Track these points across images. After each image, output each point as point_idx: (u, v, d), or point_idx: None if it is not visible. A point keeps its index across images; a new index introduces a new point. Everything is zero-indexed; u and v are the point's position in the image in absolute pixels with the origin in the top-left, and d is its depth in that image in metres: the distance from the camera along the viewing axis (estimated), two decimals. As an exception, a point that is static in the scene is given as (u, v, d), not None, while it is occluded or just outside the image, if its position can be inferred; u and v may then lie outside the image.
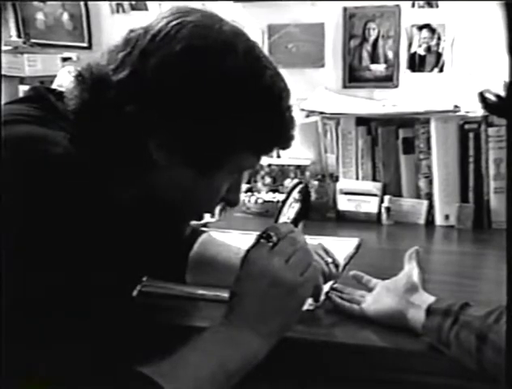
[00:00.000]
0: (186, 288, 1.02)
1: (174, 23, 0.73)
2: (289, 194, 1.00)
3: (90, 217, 0.69)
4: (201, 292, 1.00)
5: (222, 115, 0.74)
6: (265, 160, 1.58)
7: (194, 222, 1.04)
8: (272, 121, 0.77)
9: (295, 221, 0.96)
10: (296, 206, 0.97)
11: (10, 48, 1.80)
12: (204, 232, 1.08)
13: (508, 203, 0.69)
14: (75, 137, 0.73)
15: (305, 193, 0.99)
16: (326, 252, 1.01)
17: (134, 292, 0.96)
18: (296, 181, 0.90)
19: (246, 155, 0.78)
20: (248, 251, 0.78)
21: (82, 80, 0.75)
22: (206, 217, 1.42)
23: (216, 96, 0.73)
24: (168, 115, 0.73)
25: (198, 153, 0.75)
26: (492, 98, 1.37)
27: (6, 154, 0.66)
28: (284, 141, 0.82)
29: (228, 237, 1.18)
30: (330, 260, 1.00)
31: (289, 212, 0.98)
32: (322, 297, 0.97)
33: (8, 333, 0.65)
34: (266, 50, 1.72)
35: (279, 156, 1.61)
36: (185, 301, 1.00)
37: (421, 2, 1.62)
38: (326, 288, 0.98)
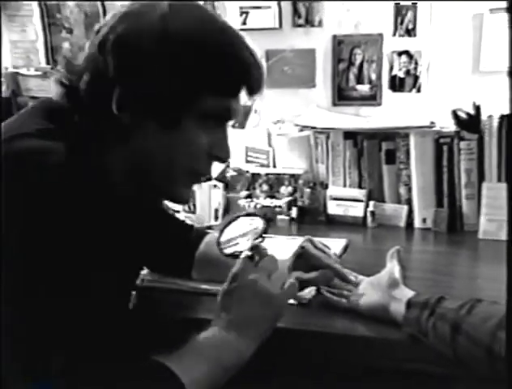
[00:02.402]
0: (191, 284, 1.02)
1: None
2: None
3: (87, 215, 0.68)
4: (204, 287, 0.99)
5: (171, 63, 0.70)
6: (262, 170, 1.58)
7: (198, 225, 1.01)
8: (225, 60, 0.73)
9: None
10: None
11: (40, 73, 1.82)
12: (209, 233, 1.08)
13: (509, 208, 0.69)
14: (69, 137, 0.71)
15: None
16: (326, 246, 1.00)
17: (138, 281, 0.93)
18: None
19: (207, 98, 0.73)
20: (235, 268, 0.79)
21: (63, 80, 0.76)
22: (210, 220, 1.43)
23: (163, 49, 0.70)
24: (123, 74, 0.71)
25: (155, 103, 0.71)
26: (464, 116, 1.38)
27: (7, 166, 0.64)
28: (247, 80, 0.75)
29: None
30: (332, 252, 1.00)
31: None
32: (314, 293, 0.97)
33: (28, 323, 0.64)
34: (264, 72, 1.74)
35: (274, 166, 1.62)
36: (191, 295, 0.99)
37: (401, 32, 1.62)
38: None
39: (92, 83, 0.73)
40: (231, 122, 0.79)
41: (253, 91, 0.78)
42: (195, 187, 1.37)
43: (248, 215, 0.90)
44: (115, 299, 0.80)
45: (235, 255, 0.83)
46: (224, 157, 0.79)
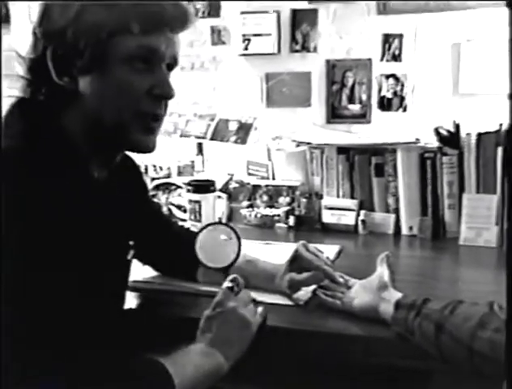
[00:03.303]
0: (196, 286, 1.01)
1: None
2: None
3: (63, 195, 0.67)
4: (208, 289, 0.97)
5: (78, 18, 0.70)
6: (262, 182, 1.58)
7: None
8: (128, 1, 0.71)
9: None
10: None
11: None
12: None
13: (509, 214, 0.69)
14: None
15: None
16: (319, 251, 1.01)
17: (129, 256, 0.88)
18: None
19: (124, 37, 0.71)
20: (218, 297, 0.82)
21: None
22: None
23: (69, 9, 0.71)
24: (48, 42, 0.72)
25: (79, 57, 0.71)
26: (445, 133, 1.39)
27: None
28: (145, 15, 0.72)
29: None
30: (325, 256, 1.00)
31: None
32: (310, 295, 0.97)
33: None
34: (264, 94, 1.76)
35: (274, 179, 1.61)
36: (194, 296, 0.99)
37: (388, 57, 1.64)
38: (313, 286, 0.98)
39: (35, 62, 0.74)
40: (164, 64, 0.75)
41: (177, 27, 0.75)
42: (201, 198, 1.39)
43: (217, 223, 0.91)
44: (107, 298, 0.79)
45: (217, 269, 0.87)
46: (164, 94, 0.76)
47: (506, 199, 1.28)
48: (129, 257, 0.88)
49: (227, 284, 0.83)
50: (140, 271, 1.04)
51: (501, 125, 1.31)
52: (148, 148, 0.79)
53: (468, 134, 1.33)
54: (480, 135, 1.32)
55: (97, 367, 0.67)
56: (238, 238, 0.88)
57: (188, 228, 1.18)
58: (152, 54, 0.74)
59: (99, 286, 0.72)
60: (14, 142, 0.69)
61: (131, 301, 0.98)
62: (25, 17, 1.75)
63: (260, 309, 0.86)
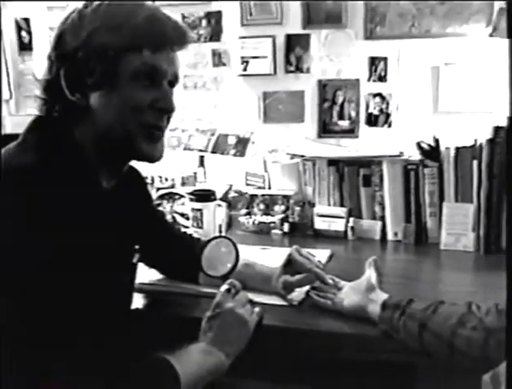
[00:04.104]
0: (198, 288, 1.01)
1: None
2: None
3: (73, 202, 0.68)
4: (209, 290, 0.97)
5: (89, 40, 0.71)
6: (259, 192, 1.57)
7: (204, 239, 1.00)
8: (134, 23, 0.72)
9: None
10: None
11: None
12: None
13: (508, 219, 0.69)
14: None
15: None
16: (311, 255, 1.01)
17: (134, 260, 0.88)
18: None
19: (130, 56, 0.72)
20: (217, 299, 0.83)
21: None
22: (215, 234, 1.42)
23: (79, 33, 0.72)
24: (61, 62, 0.73)
25: (89, 75, 0.72)
26: (426, 147, 1.39)
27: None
28: (150, 35, 0.73)
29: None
30: (316, 259, 1.01)
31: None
32: (303, 296, 0.98)
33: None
34: (261, 111, 1.76)
35: (270, 188, 1.61)
36: (197, 297, 0.99)
37: (375, 78, 1.65)
38: (307, 287, 0.98)
39: (50, 83, 0.75)
40: (166, 80, 0.76)
41: (178, 44, 0.76)
42: (202, 206, 1.38)
43: (218, 237, 0.93)
44: (115, 298, 0.78)
45: (217, 277, 0.88)
46: (166, 107, 0.77)
47: (483, 207, 1.29)
48: (134, 260, 0.88)
49: (225, 287, 0.84)
50: (146, 274, 1.04)
51: (476, 140, 1.32)
52: (154, 157, 0.79)
53: (447, 149, 1.34)
54: (457, 149, 1.32)
55: (107, 365, 0.66)
56: (236, 251, 0.91)
57: (190, 235, 1.17)
58: (155, 72, 0.75)
59: (107, 287, 0.72)
60: (30, 156, 0.69)
61: (138, 301, 0.98)
62: (47, 45, 1.80)
63: (257, 309, 0.86)
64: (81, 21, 0.73)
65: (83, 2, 0.75)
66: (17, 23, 1.86)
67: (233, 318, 0.81)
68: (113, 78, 0.72)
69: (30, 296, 0.62)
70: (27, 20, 1.85)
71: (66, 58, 0.73)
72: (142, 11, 0.74)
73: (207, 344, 0.78)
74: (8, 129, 1.77)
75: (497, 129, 1.28)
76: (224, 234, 1.44)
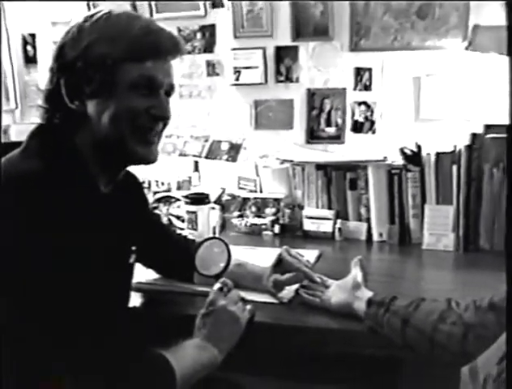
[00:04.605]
0: (193, 287, 1.01)
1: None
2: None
3: (77, 204, 0.68)
4: (203, 289, 0.96)
5: (87, 52, 0.71)
6: (251, 195, 1.57)
7: (199, 240, 1.00)
8: (130, 34, 0.72)
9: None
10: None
11: None
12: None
13: (507, 219, 0.69)
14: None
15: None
16: (300, 255, 1.01)
17: (131, 260, 0.87)
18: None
19: (127, 66, 0.72)
20: (210, 297, 0.83)
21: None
22: (209, 235, 1.42)
23: (77, 46, 0.72)
24: (62, 72, 0.73)
25: (89, 84, 0.73)
26: (409, 152, 1.40)
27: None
28: (142, 46, 0.73)
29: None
30: (305, 259, 1.01)
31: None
32: (293, 294, 0.97)
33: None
34: (253, 119, 1.77)
35: (261, 192, 1.61)
36: (191, 296, 0.98)
37: (360, 87, 1.65)
38: (296, 285, 0.98)
39: (51, 92, 0.75)
40: (162, 90, 0.76)
41: (171, 54, 0.76)
42: (197, 209, 1.38)
43: (211, 238, 0.93)
44: (113, 297, 0.78)
45: (210, 276, 0.88)
46: (160, 115, 0.77)
47: (462, 209, 1.30)
48: (131, 261, 0.87)
49: (217, 285, 0.84)
50: (144, 274, 1.03)
51: (455, 146, 1.33)
52: (149, 159, 0.79)
53: (428, 154, 1.35)
54: (438, 155, 1.33)
55: (105, 362, 0.66)
56: (228, 251, 0.90)
57: (185, 236, 1.17)
58: (151, 82, 0.75)
59: (105, 286, 0.72)
60: (32, 162, 0.69)
61: (136, 300, 0.97)
62: (49, 58, 1.81)
63: (248, 306, 0.86)
64: (80, 34, 0.73)
65: (84, 16, 0.75)
66: (23, 38, 1.91)
67: (226, 315, 0.81)
68: (111, 87, 0.73)
69: (31, 295, 0.62)
70: (32, 35, 1.90)
71: (66, 69, 0.73)
72: (138, 23, 0.74)
73: (201, 340, 0.78)
74: (13, 137, 1.79)
75: (474, 136, 1.30)
76: (217, 236, 1.43)
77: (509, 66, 0.39)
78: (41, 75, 1.86)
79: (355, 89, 1.65)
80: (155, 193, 1.62)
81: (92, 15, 0.75)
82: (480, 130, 1.30)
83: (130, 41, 0.72)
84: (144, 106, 0.74)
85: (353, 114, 1.67)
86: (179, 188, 1.67)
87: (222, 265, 0.89)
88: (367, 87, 1.63)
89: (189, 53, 1.75)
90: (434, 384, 0.84)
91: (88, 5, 1.82)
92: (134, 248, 0.87)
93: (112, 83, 0.72)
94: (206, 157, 1.71)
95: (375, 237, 1.42)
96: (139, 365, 0.69)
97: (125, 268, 0.86)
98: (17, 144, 0.74)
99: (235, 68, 1.73)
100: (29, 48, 1.90)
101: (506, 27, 0.40)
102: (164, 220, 1.51)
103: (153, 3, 1.77)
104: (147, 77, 0.74)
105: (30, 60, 1.92)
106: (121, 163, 0.80)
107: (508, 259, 0.40)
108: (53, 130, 0.75)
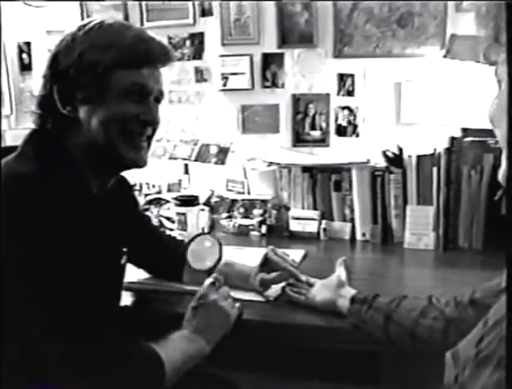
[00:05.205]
0: (182, 286, 1.00)
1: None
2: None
3: (73, 206, 0.68)
4: (192, 288, 0.95)
5: (80, 60, 0.71)
6: (239, 196, 1.57)
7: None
8: (122, 43, 0.73)
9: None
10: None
11: None
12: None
13: (508, 220, 0.69)
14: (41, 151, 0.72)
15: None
16: (286, 254, 1.00)
17: (122, 261, 0.87)
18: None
19: (118, 73, 0.73)
20: (202, 290, 0.82)
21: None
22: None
23: (71, 54, 0.72)
24: (56, 79, 0.73)
25: (82, 91, 0.72)
26: (391, 155, 1.41)
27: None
28: (134, 53, 0.73)
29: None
30: (291, 258, 1.00)
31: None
32: (279, 292, 0.97)
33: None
34: (240, 123, 1.76)
35: (249, 193, 1.61)
36: (180, 294, 0.97)
37: (343, 92, 1.66)
38: (282, 284, 0.97)
39: (44, 98, 0.75)
40: (152, 97, 0.77)
41: (161, 61, 0.76)
42: (186, 210, 1.37)
43: (204, 234, 0.93)
44: (105, 296, 0.77)
45: (202, 270, 0.87)
46: (150, 120, 0.77)
47: (442, 209, 1.31)
48: (123, 261, 0.86)
49: (210, 279, 0.84)
50: (135, 274, 1.02)
51: (435, 149, 1.34)
52: (139, 164, 0.79)
53: (409, 156, 1.35)
54: (419, 157, 1.34)
55: (94, 354, 0.65)
56: (220, 246, 0.90)
57: (174, 237, 1.16)
58: (142, 88, 0.75)
59: (97, 286, 0.71)
60: (27, 166, 0.69)
61: (127, 299, 0.96)
62: (44, 65, 1.81)
63: (237, 304, 0.85)
64: (74, 42, 0.73)
65: (77, 26, 0.75)
66: (19, 46, 1.90)
67: (216, 308, 0.81)
68: (102, 93, 0.73)
69: (25, 294, 0.62)
70: (28, 44, 1.90)
71: (59, 76, 0.73)
72: (130, 32, 0.75)
73: (190, 332, 0.78)
74: (8, 141, 1.79)
75: (453, 139, 1.30)
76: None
77: (508, 68, 0.38)
78: (36, 82, 1.86)
79: (338, 94, 1.65)
80: (146, 195, 1.60)
81: (85, 25, 0.75)
82: (458, 133, 1.31)
83: (122, 49, 0.73)
84: (135, 112, 0.75)
85: (337, 118, 1.67)
86: (169, 190, 1.66)
87: (214, 258, 0.88)
88: (350, 93, 1.64)
89: (178, 60, 1.75)
90: (416, 380, 0.84)
91: (82, 14, 1.80)
92: (125, 249, 0.86)
93: (103, 89, 0.73)
94: (196, 160, 1.70)
95: (359, 237, 1.41)
96: (128, 355, 0.68)
97: (116, 269, 0.85)
98: (12, 149, 0.74)
99: (223, 74, 1.72)
100: (24, 56, 1.89)
101: (506, 27, 0.39)
102: (155, 221, 1.50)
103: (144, 12, 1.76)
104: (138, 84, 0.74)
105: (25, 67, 1.91)
106: (113, 167, 0.80)
107: (509, 260, 0.40)
108: (45, 134, 0.75)
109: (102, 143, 0.74)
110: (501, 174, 0.46)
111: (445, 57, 1.47)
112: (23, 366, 0.63)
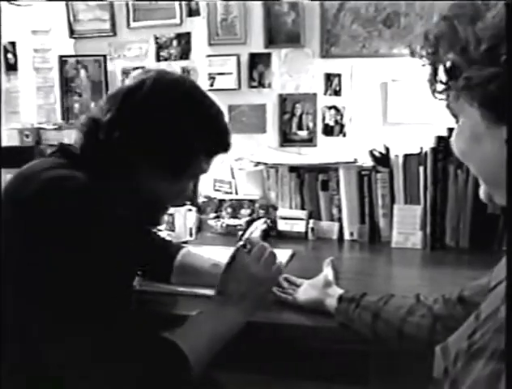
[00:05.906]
0: (171, 287, 0.98)
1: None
2: (250, 223, 0.96)
3: (111, 229, 0.66)
4: (181, 289, 0.96)
5: (181, 132, 0.72)
6: (227, 196, 1.56)
7: (176, 241, 0.99)
8: (215, 132, 0.77)
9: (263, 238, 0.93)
10: (260, 230, 0.93)
11: (56, 127, 1.77)
12: (184, 247, 1.05)
13: (508, 219, 0.69)
14: (85, 171, 0.69)
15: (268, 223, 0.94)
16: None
17: (135, 282, 0.90)
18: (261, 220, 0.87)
19: (202, 159, 0.77)
20: (232, 254, 0.79)
21: (81, 128, 0.74)
22: (186, 236, 1.39)
23: (176, 121, 0.72)
24: (144, 137, 0.71)
25: (171, 161, 0.73)
26: (378, 154, 1.41)
27: (44, 189, 0.64)
28: (225, 145, 0.80)
29: (202, 250, 1.15)
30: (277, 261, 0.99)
31: (254, 234, 0.96)
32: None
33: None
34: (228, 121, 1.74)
35: (236, 193, 1.60)
36: (169, 296, 0.96)
37: (330, 92, 1.66)
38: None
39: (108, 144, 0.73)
40: None
41: (226, 151, 0.82)
42: (174, 211, 1.35)
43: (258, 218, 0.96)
44: (123, 299, 0.75)
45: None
46: (185, 200, 0.84)
47: (429, 209, 1.31)
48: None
49: (240, 242, 0.81)
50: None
51: (421, 148, 1.34)
52: (159, 225, 0.96)
53: (396, 156, 1.35)
54: (405, 157, 1.34)
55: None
56: None
57: (163, 238, 1.14)
58: (203, 174, 0.80)
59: (123, 287, 0.71)
60: (76, 180, 0.67)
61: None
62: (29, 65, 1.82)
63: (278, 261, 0.82)
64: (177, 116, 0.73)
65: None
66: (4, 46, 1.87)
67: (248, 273, 0.77)
68: (183, 172, 0.75)
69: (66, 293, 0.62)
70: (13, 44, 1.86)
71: (148, 151, 0.72)
72: (220, 115, 0.78)
73: (220, 304, 0.75)
74: None
75: (439, 138, 1.31)
76: (193, 238, 1.40)
77: (508, 69, 0.37)
78: (21, 82, 1.83)
79: (325, 94, 1.66)
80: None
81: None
82: (444, 133, 1.31)
83: (218, 137, 0.76)
84: (185, 190, 0.78)
85: (324, 118, 1.68)
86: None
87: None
88: (337, 93, 1.64)
89: (165, 59, 1.73)
90: (405, 379, 0.83)
91: (68, 14, 1.77)
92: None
93: (181, 170, 0.74)
94: (183, 160, 1.68)
95: (346, 236, 1.41)
96: (147, 352, 0.64)
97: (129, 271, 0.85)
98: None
99: (209, 74, 1.72)
100: (10, 56, 1.85)
101: (506, 27, 0.38)
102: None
103: (131, 12, 1.74)
104: (205, 170, 0.78)
105: (10, 67, 1.86)
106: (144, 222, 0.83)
107: (509, 260, 0.39)
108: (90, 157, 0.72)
109: (150, 206, 0.76)
110: (483, 192, 0.47)
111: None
112: (23, 366, 0.61)
